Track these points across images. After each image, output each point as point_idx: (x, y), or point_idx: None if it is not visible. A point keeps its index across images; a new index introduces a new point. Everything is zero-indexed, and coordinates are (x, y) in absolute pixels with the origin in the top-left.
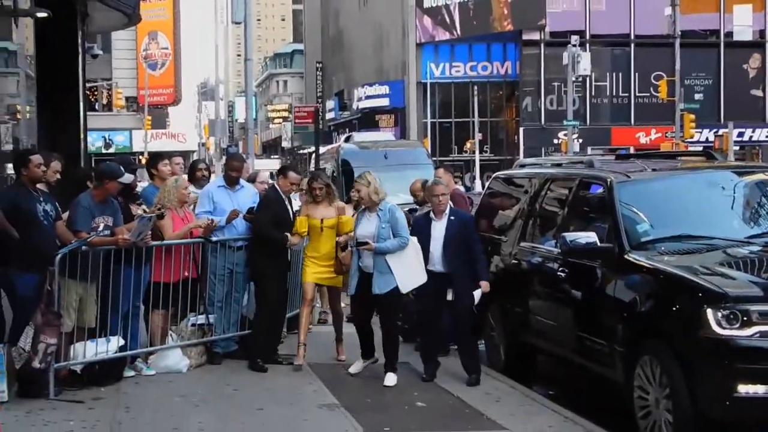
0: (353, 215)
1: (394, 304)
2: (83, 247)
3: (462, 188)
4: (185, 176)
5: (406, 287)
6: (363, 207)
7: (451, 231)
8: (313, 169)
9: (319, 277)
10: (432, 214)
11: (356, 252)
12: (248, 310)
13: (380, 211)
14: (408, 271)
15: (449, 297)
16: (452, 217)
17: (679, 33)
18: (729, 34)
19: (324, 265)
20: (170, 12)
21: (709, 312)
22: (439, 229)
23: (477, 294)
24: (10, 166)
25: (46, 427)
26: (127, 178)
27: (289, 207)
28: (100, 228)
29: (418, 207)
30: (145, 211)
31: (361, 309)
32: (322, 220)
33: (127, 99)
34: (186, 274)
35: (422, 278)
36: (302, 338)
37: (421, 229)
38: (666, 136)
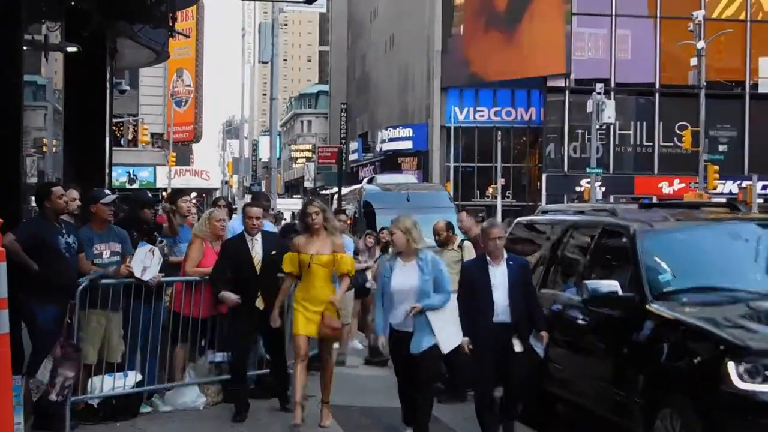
0: (376, 259)
1: (433, 365)
2: (102, 280)
3: None
4: (218, 209)
5: (447, 347)
6: (393, 254)
7: (512, 276)
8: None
9: (311, 329)
10: (488, 260)
11: (380, 305)
12: (266, 349)
13: (421, 261)
14: (449, 328)
15: (517, 348)
16: (511, 262)
17: (705, 83)
18: (755, 86)
19: (317, 312)
20: (193, 50)
21: (731, 365)
22: (499, 276)
23: (540, 347)
24: (32, 198)
25: None
26: (108, 198)
27: (254, 250)
28: (106, 255)
29: (439, 249)
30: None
31: (404, 372)
32: (311, 256)
33: (152, 135)
34: (223, 310)
35: (460, 336)
36: (298, 397)
37: (477, 277)
38: (689, 187)
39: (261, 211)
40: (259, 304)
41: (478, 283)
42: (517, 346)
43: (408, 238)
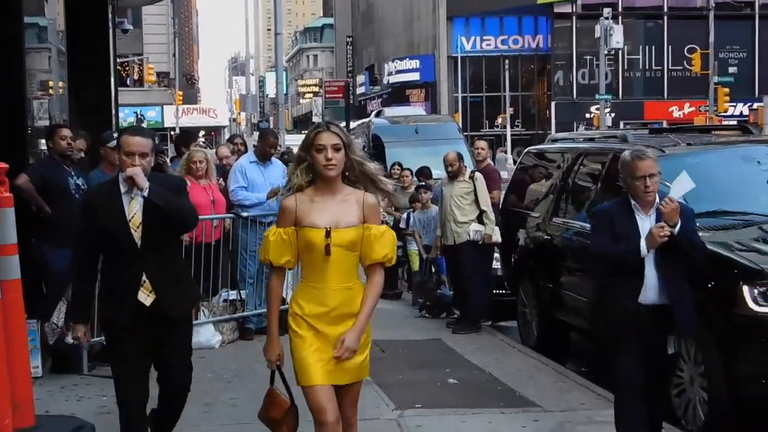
0: (387, 207)
1: None
2: None
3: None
4: (196, 147)
5: None
6: None
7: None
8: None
9: (334, 372)
10: (634, 205)
11: None
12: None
13: None
14: None
15: (671, 350)
16: None
17: (714, 4)
18: (765, 6)
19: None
20: None
21: (745, 289)
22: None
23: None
24: (43, 141)
25: (79, 402)
26: (114, 142)
27: (130, 207)
28: None
29: (450, 181)
30: None
31: None
32: (328, 230)
33: (158, 74)
34: (212, 238)
35: None
36: None
37: (623, 230)
38: (700, 110)
39: (148, 144)
40: (144, 297)
41: (624, 239)
42: (670, 348)
43: None
